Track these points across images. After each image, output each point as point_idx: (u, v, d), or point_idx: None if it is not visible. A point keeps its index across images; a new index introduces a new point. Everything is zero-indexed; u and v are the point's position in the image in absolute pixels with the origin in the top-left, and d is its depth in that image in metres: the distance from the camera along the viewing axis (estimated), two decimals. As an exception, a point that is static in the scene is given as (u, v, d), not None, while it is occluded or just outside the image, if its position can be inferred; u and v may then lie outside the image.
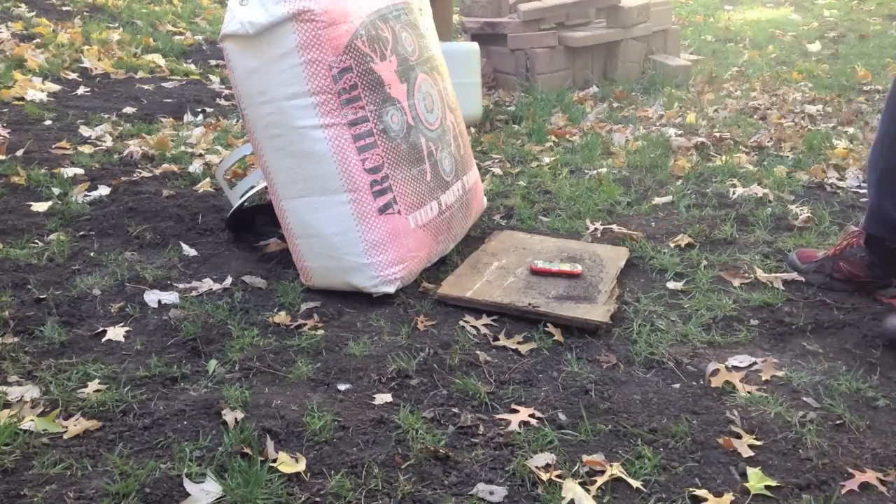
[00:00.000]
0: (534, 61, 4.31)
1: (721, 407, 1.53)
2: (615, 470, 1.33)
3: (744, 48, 5.70)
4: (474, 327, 1.83)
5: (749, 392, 1.58)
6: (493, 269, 2.05)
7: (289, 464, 1.34)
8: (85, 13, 5.40)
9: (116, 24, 5.25)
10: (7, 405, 1.48)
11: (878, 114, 3.84)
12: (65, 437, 1.41)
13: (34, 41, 4.54)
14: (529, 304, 1.86)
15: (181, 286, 2.01)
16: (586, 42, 4.40)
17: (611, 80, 4.57)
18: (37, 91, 3.79)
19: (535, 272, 2.04)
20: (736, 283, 2.05)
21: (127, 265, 2.10)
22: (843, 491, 1.30)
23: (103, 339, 1.75)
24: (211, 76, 4.58)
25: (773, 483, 1.32)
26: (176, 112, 3.77)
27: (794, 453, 1.40)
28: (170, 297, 1.94)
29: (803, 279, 2.07)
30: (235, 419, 1.45)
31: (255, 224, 2.37)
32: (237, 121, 3.61)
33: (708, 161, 3.13)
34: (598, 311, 1.84)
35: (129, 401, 1.52)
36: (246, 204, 2.28)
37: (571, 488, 1.28)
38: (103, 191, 2.63)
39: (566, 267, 2.03)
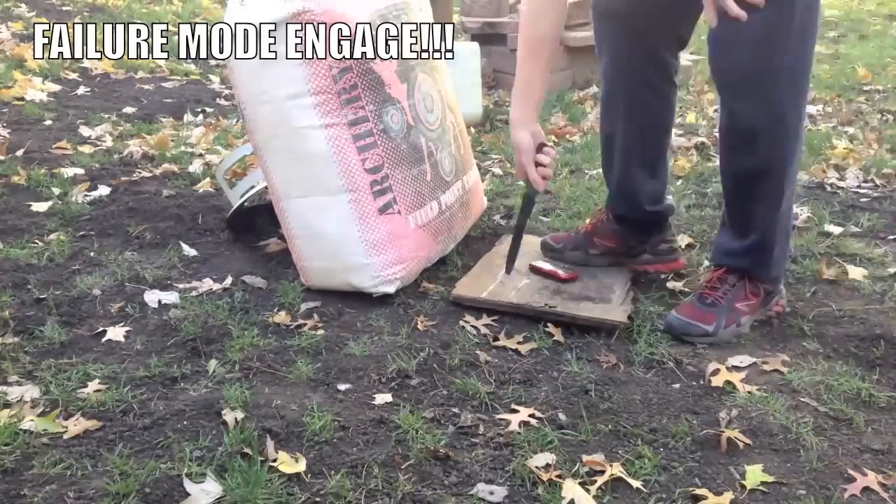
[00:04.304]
0: (534, 61, 4.30)
1: (721, 407, 1.53)
2: (615, 470, 1.33)
3: (744, 48, 5.69)
4: (474, 327, 1.83)
5: (749, 392, 1.58)
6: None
7: (289, 464, 1.34)
8: (85, 13, 5.41)
9: (116, 24, 5.26)
10: (7, 405, 1.48)
11: (879, 114, 3.85)
12: (65, 437, 1.41)
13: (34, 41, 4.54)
14: (546, 305, 1.86)
15: (181, 286, 2.00)
16: (586, 42, 4.39)
17: (611, 80, 4.56)
18: (37, 91, 3.79)
19: (532, 269, 2.05)
20: (736, 283, 2.05)
21: (127, 265, 2.10)
22: (845, 493, 1.30)
23: (103, 339, 1.75)
24: (211, 76, 4.58)
25: (772, 481, 1.32)
26: (176, 112, 3.77)
27: (794, 453, 1.40)
28: (170, 297, 1.94)
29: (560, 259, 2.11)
30: (235, 419, 1.45)
31: (255, 224, 2.37)
32: (237, 121, 3.61)
33: (708, 161, 3.13)
34: (615, 312, 1.84)
35: (129, 401, 1.52)
36: (246, 204, 2.28)
37: (571, 488, 1.28)
38: (103, 191, 2.63)
39: (561, 271, 2.02)
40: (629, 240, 2.07)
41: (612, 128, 1.98)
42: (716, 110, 3.94)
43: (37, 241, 2.24)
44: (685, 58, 4.94)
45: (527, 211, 1.98)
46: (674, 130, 3.51)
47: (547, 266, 2.04)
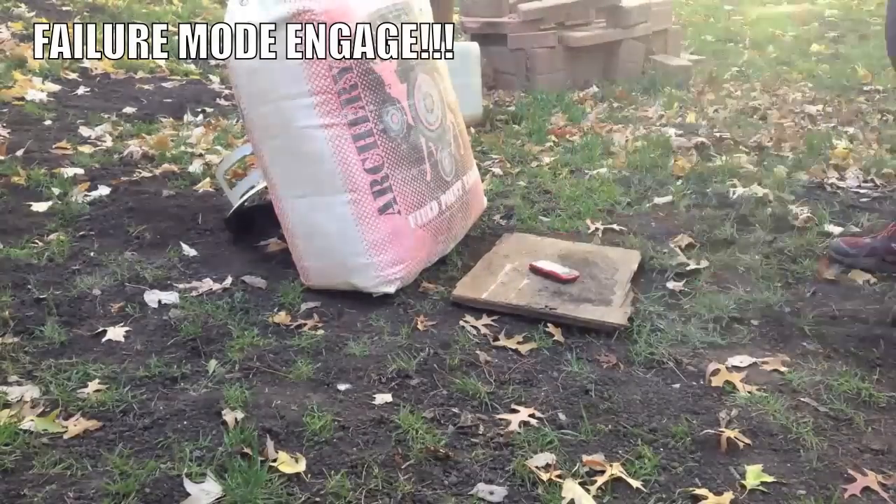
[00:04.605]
0: (534, 61, 4.30)
1: (721, 407, 1.53)
2: (615, 470, 1.33)
3: (744, 48, 5.70)
4: (474, 327, 1.83)
5: (749, 392, 1.58)
6: (506, 272, 2.05)
7: (289, 464, 1.34)
8: (85, 13, 5.40)
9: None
10: (7, 405, 1.48)
11: (879, 114, 3.85)
12: (65, 437, 1.41)
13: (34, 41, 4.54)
14: (546, 307, 1.86)
15: (181, 286, 2.00)
16: (586, 42, 4.40)
17: (611, 80, 4.57)
18: (37, 91, 3.79)
19: (533, 269, 2.05)
20: (736, 283, 2.05)
21: (127, 265, 2.10)
22: (845, 493, 1.30)
23: (103, 339, 1.75)
24: (211, 76, 4.58)
25: (772, 481, 1.32)
26: (176, 112, 3.77)
27: (794, 453, 1.40)
28: (170, 297, 1.94)
29: (852, 264, 2.10)
30: (235, 419, 1.45)
31: (255, 224, 2.37)
32: (237, 121, 3.61)
33: (708, 161, 3.13)
34: (615, 314, 1.84)
35: (129, 401, 1.52)
36: (246, 204, 2.28)
37: (571, 488, 1.28)
38: (103, 191, 2.63)
39: (561, 271, 2.02)
40: None
41: None
42: (716, 110, 3.95)
43: (37, 241, 2.24)
44: (686, 58, 4.95)
45: None
46: (673, 131, 3.53)
47: (547, 266, 2.04)
